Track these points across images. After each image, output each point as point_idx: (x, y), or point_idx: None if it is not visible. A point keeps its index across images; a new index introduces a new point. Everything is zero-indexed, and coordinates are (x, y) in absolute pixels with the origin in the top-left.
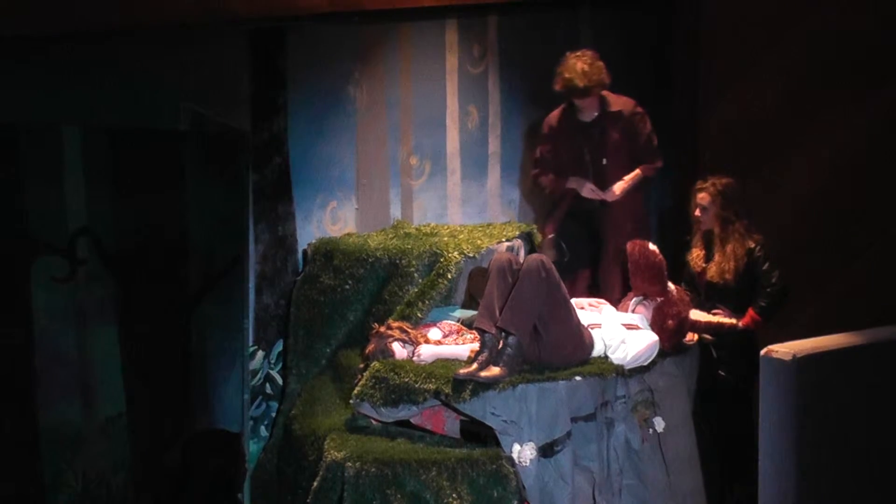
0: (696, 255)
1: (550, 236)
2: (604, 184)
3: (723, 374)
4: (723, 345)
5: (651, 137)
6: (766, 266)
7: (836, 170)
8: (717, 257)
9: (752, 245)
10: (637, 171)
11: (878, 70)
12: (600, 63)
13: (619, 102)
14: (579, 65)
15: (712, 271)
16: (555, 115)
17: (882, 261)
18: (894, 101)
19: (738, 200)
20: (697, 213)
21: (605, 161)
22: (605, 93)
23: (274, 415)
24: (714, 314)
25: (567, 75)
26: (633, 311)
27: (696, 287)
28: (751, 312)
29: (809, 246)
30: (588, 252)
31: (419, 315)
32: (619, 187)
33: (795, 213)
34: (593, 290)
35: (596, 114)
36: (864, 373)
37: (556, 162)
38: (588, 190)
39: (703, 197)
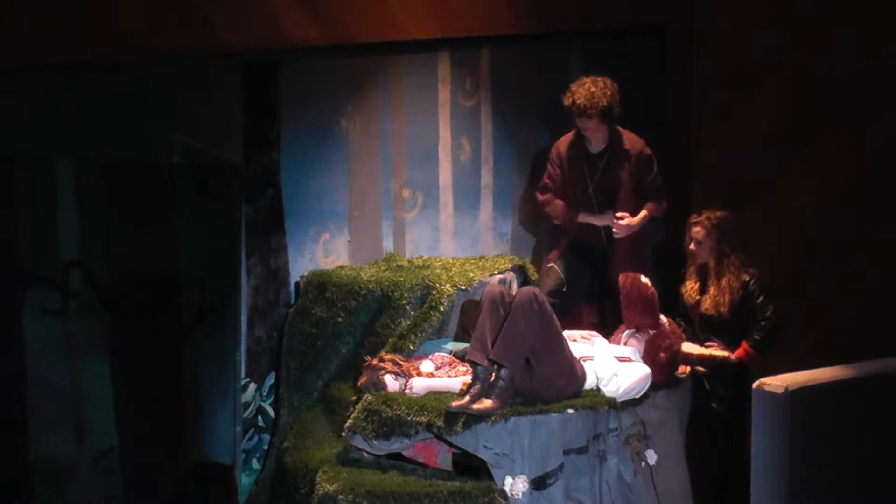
0: (690, 287)
1: (550, 265)
2: (605, 226)
3: (716, 406)
4: (716, 377)
5: (657, 178)
6: (760, 299)
7: (830, 201)
8: (711, 290)
9: (747, 278)
10: (644, 211)
11: (871, 101)
12: (611, 92)
13: (629, 140)
14: (589, 84)
15: (707, 304)
16: (565, 140)
17: (877, 292)
18: (888, 131)
19: (733, 234)
20: (692, 247)
21: (610, 195)
22: (619, 128)
23: (266, 447)
24: (708, 346)
25: (573, 88)
26: (625, 344)
27: (690, 319)
28: (744, 346)
29: (803, 277)
30: (589, 285)
31: (411, 347)
32: (626, 226)
33: (790, 244)
34: (599, 327)
35: (604, 146)
36: (856, 405)
37: (563, 189)
38: (606, 219)
39: (697, 231)
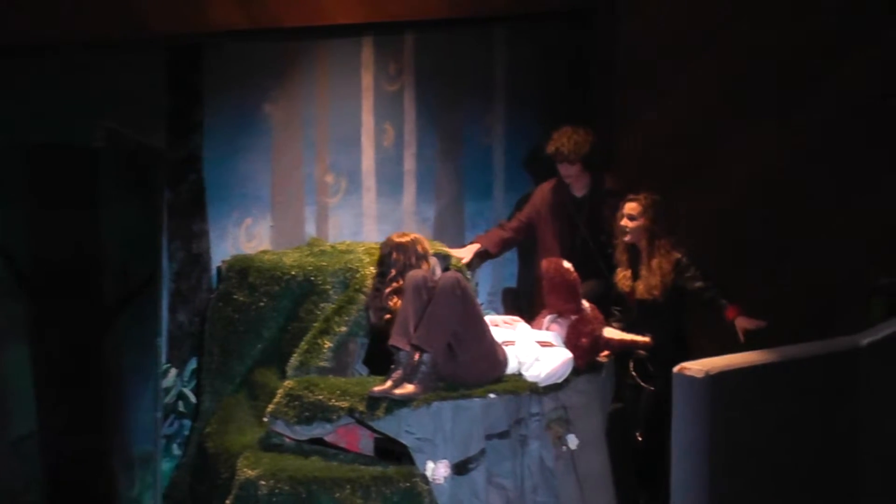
0: (622, 275)
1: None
2: (605, 258)
3: (654, 389)
4: (657, 361)
5: None
6: (692, 271)
7: (754, 190)
8: (643, 273)
9: (678, 255)
10: None
11: (791, 91)
12: (593, 140)
13: (613, 181)
14: (570, 132)
15: (640, 289)
16: (548, 185)
17: (796, 281)
18: (806, 121)
19: (666, 218)
20: (624, 221)
21: (602, 237)
22: (602, 172)
23: (187, 433)
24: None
25: (555, 136)
26: (547, 329)
27: (627, 307)
28: (729, 308)
29: (725, 266)
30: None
31: (337, 329)
32: None
33: (712, 231)
34: None
35: (587, 190)
36: (776, 390)
37: (534, 230)
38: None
39: (632, 207)
